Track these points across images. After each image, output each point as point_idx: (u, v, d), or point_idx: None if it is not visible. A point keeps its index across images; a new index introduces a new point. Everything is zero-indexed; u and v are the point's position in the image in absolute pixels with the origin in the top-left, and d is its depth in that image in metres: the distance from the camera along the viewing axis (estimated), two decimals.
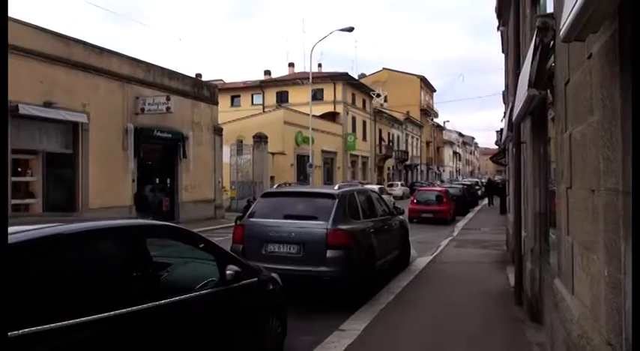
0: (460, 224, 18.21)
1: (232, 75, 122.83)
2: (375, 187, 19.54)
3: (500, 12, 10.54)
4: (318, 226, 6.38)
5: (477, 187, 37.60)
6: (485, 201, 32.40)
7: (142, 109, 16.37)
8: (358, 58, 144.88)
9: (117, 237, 3.09)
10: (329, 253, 6.25)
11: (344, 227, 6.50)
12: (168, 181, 18.52)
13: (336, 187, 7.29)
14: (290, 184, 8.90)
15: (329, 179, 36.07)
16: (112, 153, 15.33)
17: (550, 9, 4.10)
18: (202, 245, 3.71)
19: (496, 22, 11.82)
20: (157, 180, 18.09)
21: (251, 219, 6.88)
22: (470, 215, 22.56)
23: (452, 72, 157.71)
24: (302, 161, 31.03)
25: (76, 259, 2.76)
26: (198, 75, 41.34)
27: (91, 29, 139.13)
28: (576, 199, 3.01)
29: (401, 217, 9.53)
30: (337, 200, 6.74)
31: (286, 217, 6.65)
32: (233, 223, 17.12)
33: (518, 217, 6.67)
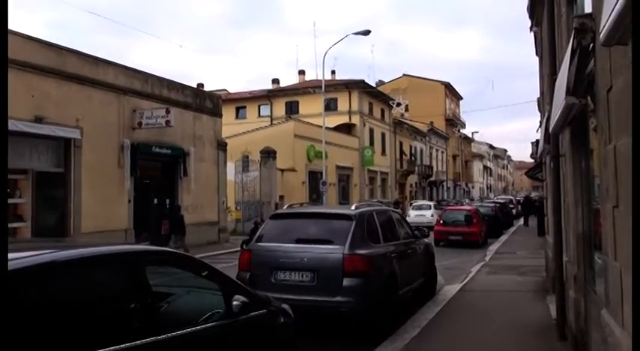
0: (493, 248, 18.00)
1: (237, 84, 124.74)
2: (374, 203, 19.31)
3: (533, 11, 10.58)
4: (333, 251, 6.37)
5: (512, 206, 37.21)
6: (521, 221, 32.00)
7: (140, 123, 16.61)
8: (375, 64, 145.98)
9: (114, 265, 3.12)
10: (346, 282, 6.22)
11: (362, 252, 6.48)
12: (168, 201, 18.65)
13: (353, 207, 7.31)
14: (302, 204, 8.91)
15: (344, 198, 36.00)
16: (106, 171, 15.53)
17: (588, 8, 4.11)
18: (206, 273, 3.73)
19: (528, 22, 11.86)
20: (155, 200, 18.24)
21: (259, 243, 6.90)
22: (504, 237, 22.31)
23: (479, 78, 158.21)
24: (314, 178, 31.05)
25: (69, 289, 2.79)
26: (200, 85, 41.90)
27: (88, 39, 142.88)
28: (624, 219, 2.98)
29: (426, 240, 9.47)
30: (355, 222, 6.74)
31: (298, 241, 6.66)
32: (239, 248, 17.15)
33: (558, 239, 6.58)
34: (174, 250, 3.79)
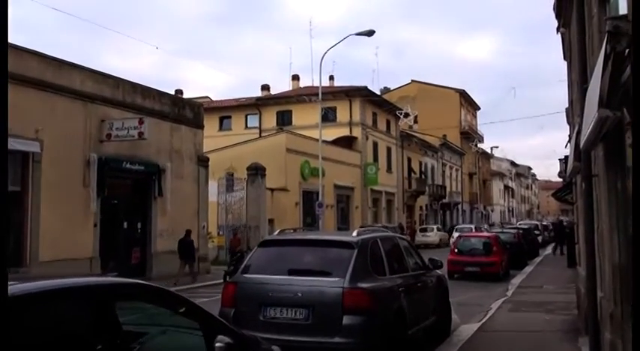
0: (516, 281, 17.97)
1: (221, 91, 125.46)
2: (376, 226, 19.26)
3: (560, 11, 10.73)
4: (331, 285, 6.36)
5: (537, 232, 37.25)
6: (548, 250, 31.99)
7: (109, 135, 16.65)
8: (380, 69, 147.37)
9: (77, 300, 3.10)
10: (346, 320, 6.20)
11: (365, 285, 6.47)
12: (139, 225, 18.60)
13: (354, 234, 7.30)
14: (295, 230, 8.92)
15: (344, 222, 35.91)
16: (69, 190, 15.50)
17: (623, 9, 4.17)
18: (184, 309, 3.70)
19: (554, 23, 12.02)
20: (125, 224, 18.20)
21: (245, 275, 6.88)
22: (528, 269, 22.29)
23: (498, 85, 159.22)
24: (309, 199, 31.01)
25: (24, 329, 2.77)
26: (179, 92, 42.03)
27: (51, 39, 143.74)
28: None
29: (438, 271, 9.47)
30: (356, 250, 6.74)
31: (291, 272, 6.65)
32: (221, 280, 17.05)
33: (591, 271, 6.58)
34: (147, 283, 3.76)
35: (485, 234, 23.43)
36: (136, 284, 3.63)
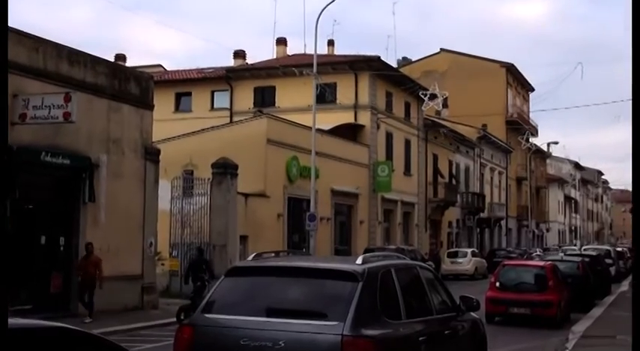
0: (579, 328, 17.95)
1: (179, 59, 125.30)
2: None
3: None
4: (326, 331, 6.35)
5: (609, 261, 37.33)
6: (625, 286, 32.03)
7: (23, 116, 16.62)
8: (398, 34, 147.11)
9: None
10: None
11: (373, 333, 6.46)
12: (62, 240, 18.55)
13: (358, 260, 7.29)
14: (277, 253, 8.91)
15: (344, 243, 35.94)
16: None
17: None
18: None
19: None
20: (44, 238, 18.13)
21: (207, 315, 6.86)
22: (597, 312, 22.27)
23: (558, 60, 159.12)
24: (297, 209, 31.01)
25: None
26: (121, 58, 42.04)
27: None
28: None
29: (474, 314, 9.48)
30: (361, 284, 6.73)
31: (270, 312, 6.64)
32: (174, 320, 16.93)
33: None
34: (73, 327, 3.74)
35: (539, 263, 23.40)
36: (56, 329, 3.61)
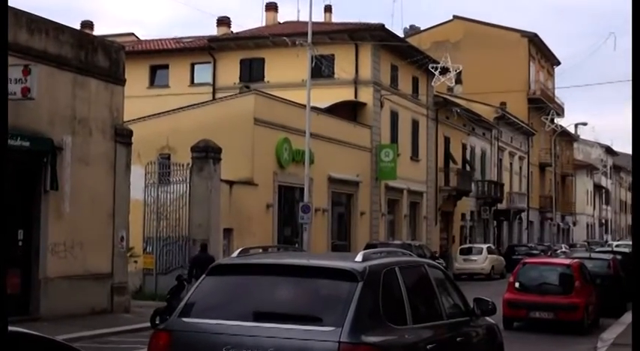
0: (609, 335, 18.01)
1: (154, 27, 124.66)
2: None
3: None
4: (322, 337, 6.35)
5: None
6: None
7: None
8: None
9: None
10: None
11: (374, 340, 6.47)
12: (21, 234, 18.55)
13: (358, 257, 7.29)
14: (266, 249, 8.88)
15: (343, 237, 35.96)
16: None
17: None
18: None
19: None
20: None
21: (185, 319, 6.86)
22: (629, 317, 22.32)
23: (588, 30, 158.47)
24: (289, 199, 30.99)
25: None
26: (87, 25, 41.82)
27: None
28: None
29: (489, 319, 9.51)
30: (361, 284, 6.73)
31: (258, 316, 6.64)
32: (148, 325, 16.92)
33: None
34: (31, 332, 3.73)
35: (564, 261, 23.41)
36: (12, 334, 3.60)
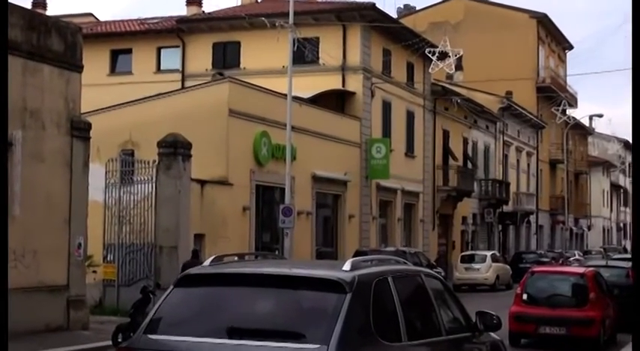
0: None
1: (116, 6, 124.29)
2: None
3: None
4: None
5: None
6: None
7: None
8: None
9: None
10: None
11: None
12: None
13: (346, 266, 7.28)
14: (242, 257, 8.87)
15: (329, 243, 36.02)
16: None
17: None
18: None
19: None
20: None
21: (151, 336, 6.85)
22: None
23: (601, 11, 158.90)
24: (269, 200, 31.06)
25: None
26: (39, 4, 41.61)
27: None
28: None
29: (494, 335, 9.55)
30: (349, 295, 6.73)
31: (232, 332, 6.62)
32: (108, 343, 16.83)
33: None
34: None
35: (577, 269, 23.51)
36: None
